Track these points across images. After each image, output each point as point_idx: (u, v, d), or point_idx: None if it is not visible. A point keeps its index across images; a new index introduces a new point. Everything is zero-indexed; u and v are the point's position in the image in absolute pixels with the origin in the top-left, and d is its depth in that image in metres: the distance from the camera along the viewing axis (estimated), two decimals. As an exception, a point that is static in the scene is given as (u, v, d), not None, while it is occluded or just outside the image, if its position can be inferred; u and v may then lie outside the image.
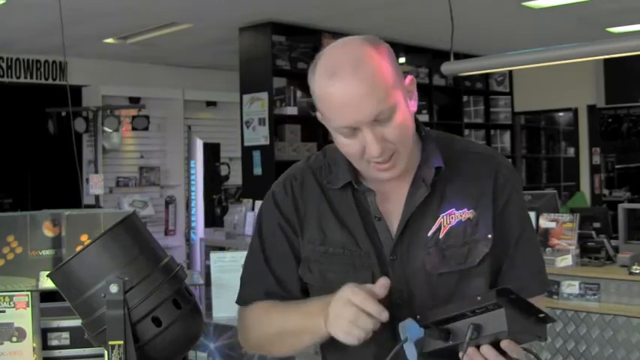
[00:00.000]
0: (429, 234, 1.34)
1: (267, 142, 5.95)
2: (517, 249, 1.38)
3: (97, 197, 6.40)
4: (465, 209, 1.34)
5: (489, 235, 1.35)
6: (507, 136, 8.63)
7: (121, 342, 1.23)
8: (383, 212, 1.36)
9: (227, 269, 2.29)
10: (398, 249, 1.35)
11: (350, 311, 1.21)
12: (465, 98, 8.09)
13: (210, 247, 4.98)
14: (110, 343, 1.23)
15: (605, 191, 8.31)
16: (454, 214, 1.34)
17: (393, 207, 1.36)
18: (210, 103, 8.25)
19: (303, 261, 1.41)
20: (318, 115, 1.35)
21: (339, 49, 1.29)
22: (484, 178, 1.36)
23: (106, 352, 1.25)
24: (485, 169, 1.37)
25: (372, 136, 1.24)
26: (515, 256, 1.38)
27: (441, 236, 1.34)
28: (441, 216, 1.34)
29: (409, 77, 1.33)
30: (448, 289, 1.33)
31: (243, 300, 1.48)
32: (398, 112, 1.26)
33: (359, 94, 1.22)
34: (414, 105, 1.33)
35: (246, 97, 6.16)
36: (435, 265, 1.33)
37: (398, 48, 7.12)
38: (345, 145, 1.29)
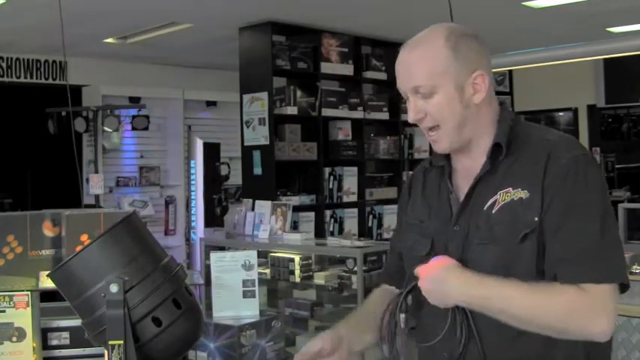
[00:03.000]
0: (485, 208, 1.46)
1: (267, 142, 5.95)
2: (556, 237, 1.40)
3: (97, 197, 6.40)
4: (520, 189, 1.44)
5: (535, 218, 1.42)
6: (507, 136, 8.63)
7: (121, 342, 1.23)
8: (458, 187, 1.54)
9: (227, 269, 2.29)
10: (461, 220, 1.50)
11: None
12: (465, 98, 8.09)
13: (210, 247, 4.97)
14: (110, 343, 1.24)
15: (605, 191, 8.30)
16: (510, 192, 1.44)
17: (466, 183, 1.52)
18: (210, 103, 8.24)
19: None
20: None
21: (425, 30, 1.56)
22: (539, 162, 1.44)
23: (106, 352, 1.25)
24: (541, 153, 1.44)
25: (411, 103, 1.50)
26: (553, 243, 1.41)
27: (493, 211, 1.45)
28: (498, 193, 1.45)
29: (479, 73, 1.48)
30: (493, 262, 1.43)
31: None
32: (440, 94, 1.46)
33: (405, 65, 1.51)
34: (478, 97, 1.48)
35: (246, 97, 6.16)
36: (482, 237, 1.45)
37: (398, 48, 7.12)
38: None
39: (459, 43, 1.47)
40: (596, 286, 1.36)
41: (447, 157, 1.59)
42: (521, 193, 1.43)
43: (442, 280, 1.42)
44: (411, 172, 1.67)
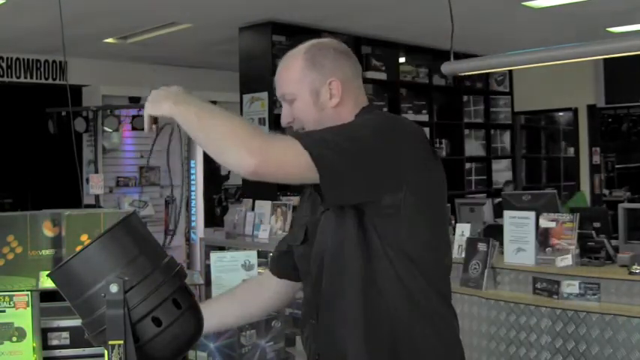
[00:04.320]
0: None
1: (267, 142, 5.95)
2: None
3: (97, 197, 6.40)
4: None
5: None
6: (507, 135, 8.63)
7: (121, 342, 1.23)
8: None
9: (227, 269, 2.30)
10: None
11: None
12: (465, 98, 8.09)
13: (210, 247, 4.97)
14: (110, 343, 1.23)
15: (605, 191, 8.31)
16: None
17: None
18: (211, 103, 8.24)
19: None
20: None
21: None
22: None
23: (106, 352, 1.25)
24: None
25: (283, 110, 1.69)
26: None
27: None
28: None
29: (332, 80, 1.64)
30: (332, 231, 1.62)
31: None
32: (299, 100, 1.65)
33: (277, 76, 1.71)
34: (333, 101, 1.65)
35: (246, 97, 6.16)
36: (325, 217, 1.65)
37: (398, 48, 7.13)
38: None
39: (316, 55, 1.66)
40: (286, 138, 1.43)
41: None
42: None
43: (162, 93, 1.53)
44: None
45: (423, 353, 1.55)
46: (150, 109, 1.53)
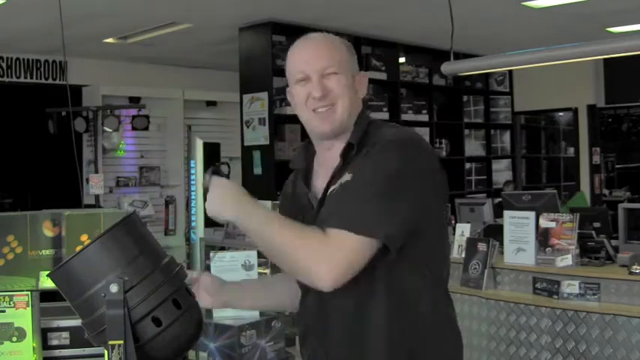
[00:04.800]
0: (327, 195, 1.59)
1: (267, 142, 5.95)
2: (333, 195, 1.55)
3: (97, 197, 6.40)
4: (347, 172, 1.56)
5: None
6: (507, 135, 8.63)
7: (121, 342, 1.23)
8: (318, 188, 1.65)
9: (227, 269, 2.29)
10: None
11: None
12: (465, 98, 8.09)
13: (210, 247, 4.97)
14: (110, 342, 1.23)
15: (605, 191, 8.31)
16: (342, 178, 1.56)
17: (324, 181, 1.64)
18: (210, 103, 8.24)
19: None
20: (288, 91, 1.72)
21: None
22: (364, 153, 1.57)
23: (106, 352, 1.25)
24: (369, 147, 1.57)
25: (316, 84, 1.60)
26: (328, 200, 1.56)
27: (327, 194, 1.59)
28: (339, 182, 1.57)
29: (363, 74, 1.71)
30: None
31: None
32: (341, 76, 1.61)
33: (313, 50, 1.64)
34: (361, 93, 1.69)
35: (246, 97, 6.16)
36: (320, 220, 1.56)
37: (398, 48, 7.13)
38: (298, 94, 1.64)
39: (349, 46, 1.69)
40: (336, 232, 1.44)
41: (308, 161, 1.73)
42: (347, 176, 1.55)
43: (221, 195, 1.56)
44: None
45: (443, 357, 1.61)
46: (212, 213, 1.59)
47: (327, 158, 1.66)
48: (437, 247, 1.63)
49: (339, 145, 1.63)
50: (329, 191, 1.59)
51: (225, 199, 1.55)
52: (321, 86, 1.60)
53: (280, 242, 1.47)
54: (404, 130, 1.63)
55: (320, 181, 1.66)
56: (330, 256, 1.43)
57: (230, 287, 1.80)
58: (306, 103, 1.63)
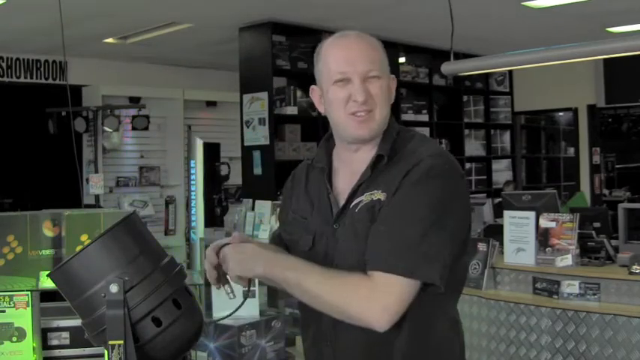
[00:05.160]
0: (351, 206, 1.56)
1: (267, 142, 5.95)
2: (375, 231, 1.48)
3: (97, 197, 6.40)
4: (380, 191, 1.52)
5: None
6: (507, 135, 8.63)
7: (121, 342, 1.23)
8: (338, 188, 1.62)
9: (227, 269, 2.29)
10: (341, 219, 1.57)
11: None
12: (465, 98, 8.09)
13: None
14: (110, 343, 1.23)
15: (605, 191, 8.31)
16: (374, 193, 1.53)
17: (347, 185, 1.60)
18: (210, 103, 8.24)
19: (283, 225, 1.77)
20: (313, 88, 1.65)
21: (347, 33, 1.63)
22: (403, 170, 1.51)
23: (105, 352, 1.25)
24: (409, 162, 1.52)
25: (358, 87, 1.54)
26: (371, 235, 1.49)
27: (357, 210, 1.54)
28: (365, 194, 1.54)
29: (393, 78, 1.63)
30: (358, 257, 1.49)
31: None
32: (383, 80, 1.57)
33: (361, 47, 1.57)
34: (392, 98, 1.62)
35: (246, 97, 6.16)
36: (347, 235, 1.54)
37: (398, 48, 7.13)
38: (337, 95, 1.57)
39: (384, 48, 1.63)
40: (384, 275, 1.41)
41: (328, 158, 1.68)
42: (380, 195, 1.51)
43: (248, 257, 1.50)
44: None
45: None
46: (240, 272, 1.51)
47: (354, 160, 1.62)
48: (463, 265, 1.62)
49: (366, 149, 1.60)
50: (354, 201, 1.55)
51: (252, 256, 1.51)
52: (365, 90, 1.55)
53: (323, 291, 1.44)
54: (436, 148, 1.59)
55: (342, 181, 1.63)
56: (382, 301, 1.40)
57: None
58: (346, 105, 1.57)
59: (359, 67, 1.55)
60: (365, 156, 1.59)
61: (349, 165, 1.63)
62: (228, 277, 1.55)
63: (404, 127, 1.66)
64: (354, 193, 1.57)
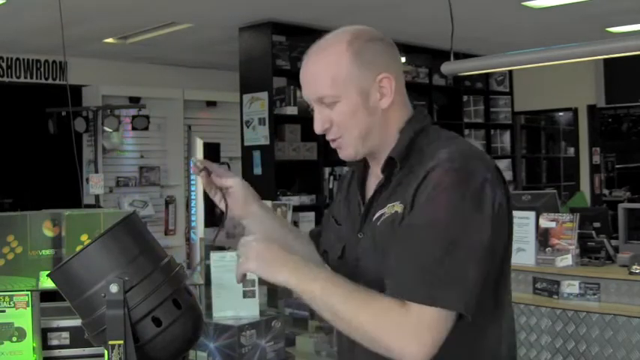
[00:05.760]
0: (374, 219, 1.44)
1: (267, 142, 5.95)
2: (396, 248, 1.35)
3: (97, 197, 6.40)
4: (398, 202, 1.40)
5: None
6: (507, 135, 8.63)
7: (121, 342, 1.23)
8: (368, 194, 1.50)
9: (227, 269, 2.29)
10: (364, 228, 1.48)
11: None
12: (465, 98, 8.09)
13: (210, 247, 4.96)
14: (110, 343, 1.24)
15: (605, 191, 8.30)
16: (395, 205, 1.41)
17: (372, 192, 1.50)
18: (210, 103, 8.24)
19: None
20: None
21: (331, 33, 1.47)
22: (419, 177, 1.36)
23: (105, 352, 1.25)
24: (422, 170, 1.37)
25: (316, 113, 1.44)
26: (392, 253, 1.36)
27: (378, 223, 1.43)
28: (387, 206, 1.42)
29: (384, 76, 1.43)
30: (380, 270, 1.37)
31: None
32: (344, 103, 1.40)
33: (308, 75, 1.42)
34: (385, 102, 1.43)
35: (246, 97, 6.16)
36: (364, 247, 1.46)
37: (398, 48, 7.12)
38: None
39: (363, 47, 1.41)
40: (418, 307, 1.26)
41: (365, 161, 1.54)
42: (398, 207, 1.39)
43: (273, 259, 1.36)
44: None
45: None
46: (262, 274, 1.36)
47: (374, 166, 1.51)
48: (504, 287, 1.44)
49: (385, 154, 1.46)
50: (377, 213, 1.43)
51: (275, 258, 1.35)
52: (322, 119, 1.42)
53: (351, 314, 1.30)
54: (456, 150, 1.38)
55: (370, 187, 1.52)
56: (415, 333, 1.25)
57: (259, 202, 1.79)
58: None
59: (311, 94, 1.42)
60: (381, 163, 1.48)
61: (374, 169, 1.51)
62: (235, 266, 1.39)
63: (430, 126, 1.49)
64: (372, 201, 1.46)
